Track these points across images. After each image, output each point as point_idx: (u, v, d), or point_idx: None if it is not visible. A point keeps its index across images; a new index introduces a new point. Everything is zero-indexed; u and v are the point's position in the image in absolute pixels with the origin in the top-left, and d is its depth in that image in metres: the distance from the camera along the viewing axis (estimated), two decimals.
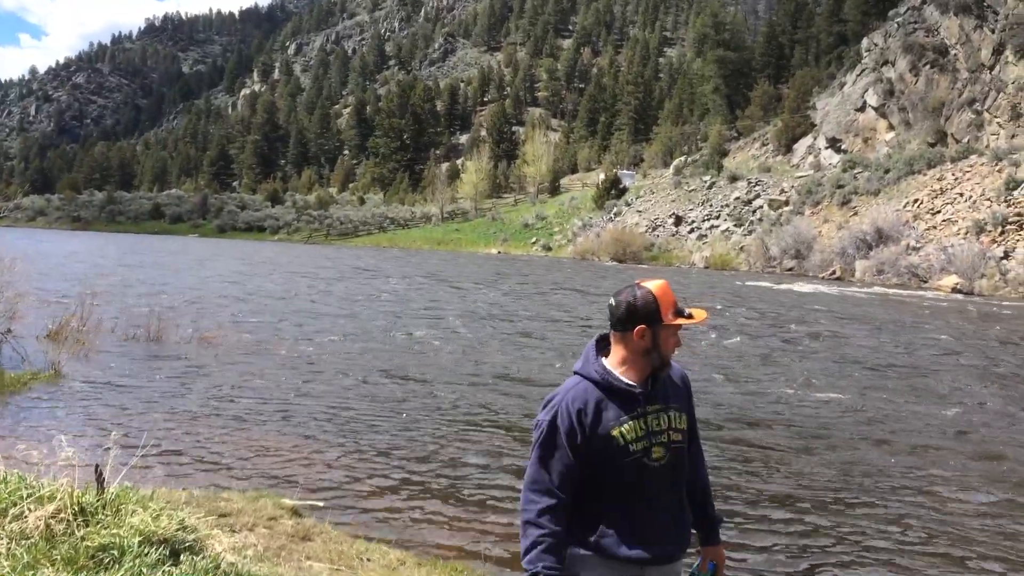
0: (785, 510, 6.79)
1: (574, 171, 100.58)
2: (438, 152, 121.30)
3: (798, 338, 17.82)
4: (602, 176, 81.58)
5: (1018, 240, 37.10)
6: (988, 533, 6.38)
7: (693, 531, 2.94)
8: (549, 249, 67.71)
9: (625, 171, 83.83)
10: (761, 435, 9.25)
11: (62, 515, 3.68)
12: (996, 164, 44.07)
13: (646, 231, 61.27)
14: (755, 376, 13.06)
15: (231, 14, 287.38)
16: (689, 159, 77.05)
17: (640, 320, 2.70)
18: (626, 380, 2.74)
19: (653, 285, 2.74)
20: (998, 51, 53.03)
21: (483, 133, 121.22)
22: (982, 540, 6.24)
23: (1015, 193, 40.01)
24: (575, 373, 2.82)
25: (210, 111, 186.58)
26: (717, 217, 59.29)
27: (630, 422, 2.69)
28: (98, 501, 3.84)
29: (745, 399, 11.22)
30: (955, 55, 56.25)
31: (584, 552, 2.75)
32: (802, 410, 10.66)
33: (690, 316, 2.75)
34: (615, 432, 2.68)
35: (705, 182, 65.20)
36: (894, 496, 7.22)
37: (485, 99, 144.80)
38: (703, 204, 62.00)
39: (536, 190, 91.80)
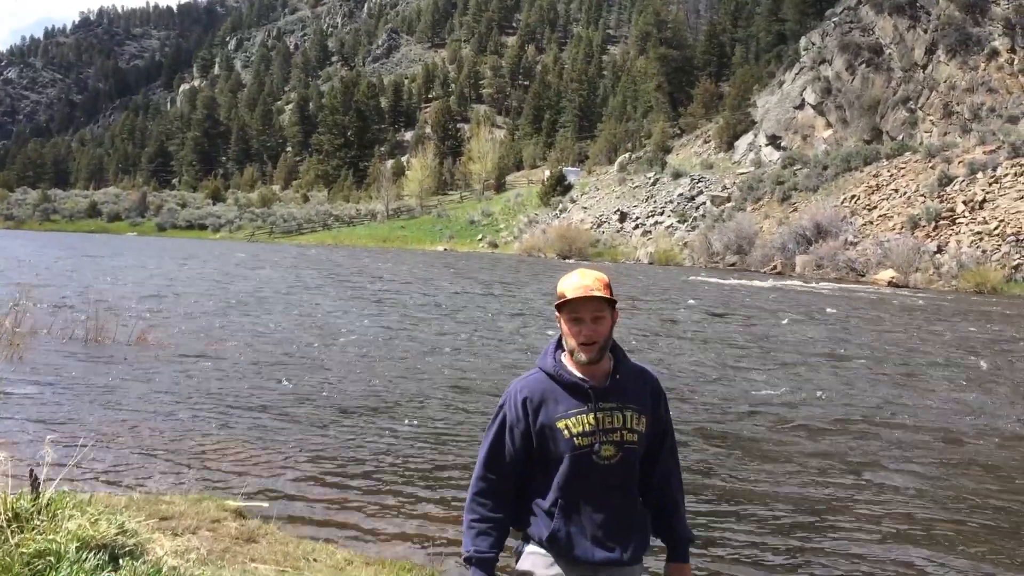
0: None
1: (519, 168, 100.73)
2: (383, 149, 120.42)
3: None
4: (547, 173, 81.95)
5: (950, 235, 38.21)
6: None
7: (658, 543, 2.91)
8: (496, 246, 67.74)
9: (570, 168, 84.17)
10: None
11: None
12: (929, 161, 45.34)
13: (591, 227, 61.70)
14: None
15: (168, 8, 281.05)
16: (633, 156, 77.67)
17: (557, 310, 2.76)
18: (579, 374, 2.74)
19: (568, 274, 2.78)
20: (930, 51, 54.55)
21: (428, 130, 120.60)
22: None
23: (947, 189, 41.20)
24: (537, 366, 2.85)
25: (148, 107, 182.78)
26: (661, 213, 59.97)
27: (577, 416, 2.68)
28: (33, 506, 3.73)
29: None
30: (889, 54, 57.70)
31: (536, 549, 2.74)
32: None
33: (567, 297, 2.71)
34: (560, 424, 2.68)
35: (649, 179, 65.87)
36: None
37: (430, 96, 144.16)
38: (647, 200, 62.66)
39: (482, 187, 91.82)
